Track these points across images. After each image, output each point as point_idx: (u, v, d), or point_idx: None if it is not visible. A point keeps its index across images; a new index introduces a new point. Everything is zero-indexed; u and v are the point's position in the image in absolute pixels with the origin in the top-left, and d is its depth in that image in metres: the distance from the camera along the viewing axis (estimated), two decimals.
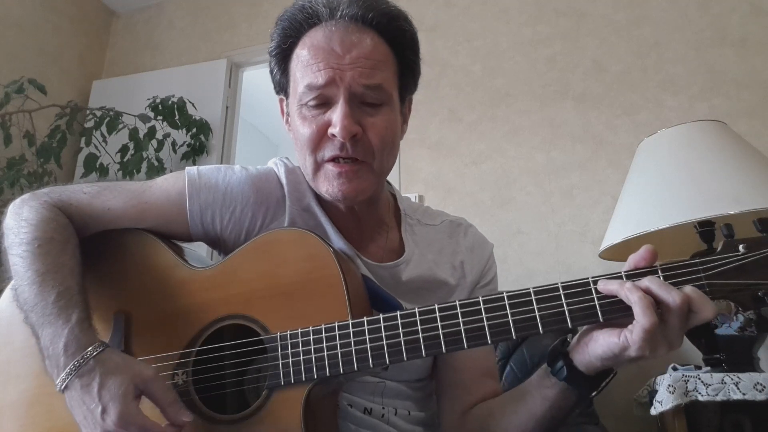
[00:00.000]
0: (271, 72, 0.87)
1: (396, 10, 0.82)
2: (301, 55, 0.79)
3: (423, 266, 0.89)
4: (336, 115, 0.75)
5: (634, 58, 2.21)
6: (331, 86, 0.76)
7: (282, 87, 0.86)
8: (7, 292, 0.85)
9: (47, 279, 0.72)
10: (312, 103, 0.77)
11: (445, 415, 0.88)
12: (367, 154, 0.78)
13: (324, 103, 0.77)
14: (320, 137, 0.77)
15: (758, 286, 0.59)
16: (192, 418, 0.67)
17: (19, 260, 0.75)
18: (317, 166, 0.79)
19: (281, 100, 0.89)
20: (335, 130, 0.75)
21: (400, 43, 0.82)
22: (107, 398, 0.63)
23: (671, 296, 0.58)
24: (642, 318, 0.58)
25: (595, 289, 0.63)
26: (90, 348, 0.67)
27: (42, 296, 0.71)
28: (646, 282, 0.60)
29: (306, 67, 0.78)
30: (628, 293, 0.60)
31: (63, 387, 0.66)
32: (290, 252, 0.75)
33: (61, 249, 0.77)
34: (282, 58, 0.83)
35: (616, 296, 0.61)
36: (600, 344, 0.64)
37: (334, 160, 0.77)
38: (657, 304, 0.59)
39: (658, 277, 0.61)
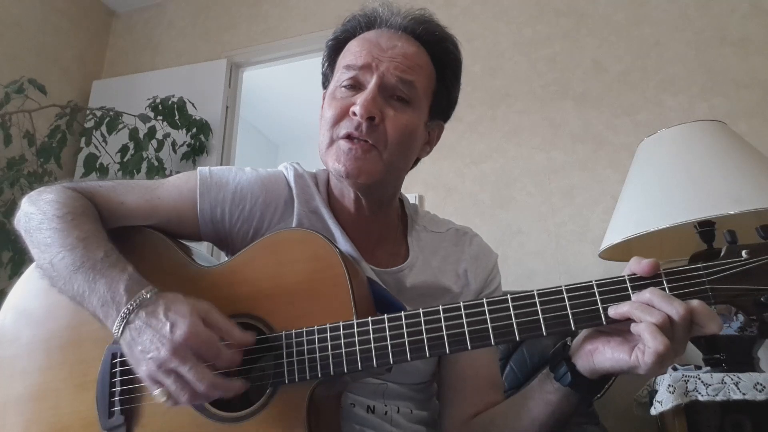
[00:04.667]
0: (322, 63, 0.93)
1: (447, 34, 0.89)
2: (351, 46, 0.87)
3: (427, 272, 0.89)
4: (362, 96, 0.79)
5: (634, 58, 2.21)
6: (367, 71, 0.81)
7: (326, 78, 0.91)
8: (28, 278, 0.86)
9: (90, 242, 0.74)
10: (346, 83, 0.82)
11: (446, 423, 0.89)
12: (379, 141, 0.80)
13: (356, 86, 0.82)
14: (342, 115, 0.81)
15: (761, 292, 0.58)
16: (255, 340, 0.68)
17: (53, 233, 0.76)
18: (331, 142, 0.82)
19: (324, 94, 0.91)
20: (356, 108, 0.78)
21: (443, 63, 0.88)
22: (174, 316, 0.64)
23: (674, 308, 0.58)
24: (652, 342, 0.57)
25: (599, 291, 0.62)
26: (147, 288, 0.69)
27: (88, 256, 0.72)
28: (648, 294, 0.60)
29: (350, 53, 0.85)
30: (641, 329, 0.58)
31: (125, 322, 0.66)
32: (297, 252, 0.75)
33: (94, 219, 0.79)
34: (335, 50, 0.90)
35: (617, 295, 0.61)
36: (608, 359, 0.63)
37: (348, 138, 0.80)
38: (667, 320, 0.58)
39: (663, 286, 0.61)
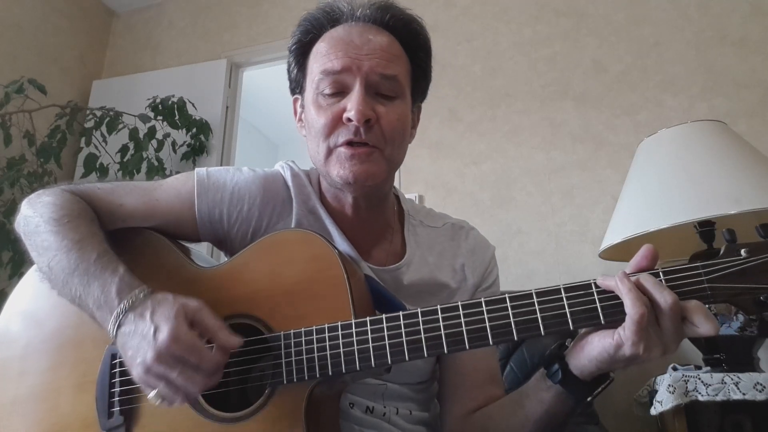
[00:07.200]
0: (289, 69, 0.89)
1: (411, 16, 0.87)
2: (320, 48, 0.83)
3: (424, 269, 0.89)
4: (352, 101, 0.77)
5: (634, 58, 2.21)
6: (348, 73, 0.79)
7: (298, 83, 0.88)
8: (29, 280, 0.87)
9: (85, 244, 0.75)
10: (328, 90, 0.80)
11: (446, 419, 0.89)
12: (378, 141, 0.79)
13: (340, 91, 0.80)
14: (335, 124, 0.79)
15: (760, 291, 0.58)
16: (243, 343, 0.68)
17: (50, 236, 0.76)
18: (330, 152, 0.80)
19: (295, 100, 0.90)
20: (351, 114, 0.76)
21: (414, 45, 0.86)
22: (159, 319, 0.65)
23: (662, 296, 0.59)
24: (631, 309, 0.59)
25: (597, 291, 0.63)
26: (138, 289, 0.69)
27: (83, 258, 0.73)
28: (638, 278, 0.61)
29: (323, 56, 0.81)
30: (620, 283, 0.60)
31: (117, 325, 0.67)
32: (295, 252, 0.75)
33: (91, 221, 0.80)
34: (301, 53, 0.87)
35: (615, 294, 0.62)
36: (595, 346, 0.64)
37: (347, 144, 0.79)
38: (651, 304, 0.60)
39: (660, 279, 0.61)
